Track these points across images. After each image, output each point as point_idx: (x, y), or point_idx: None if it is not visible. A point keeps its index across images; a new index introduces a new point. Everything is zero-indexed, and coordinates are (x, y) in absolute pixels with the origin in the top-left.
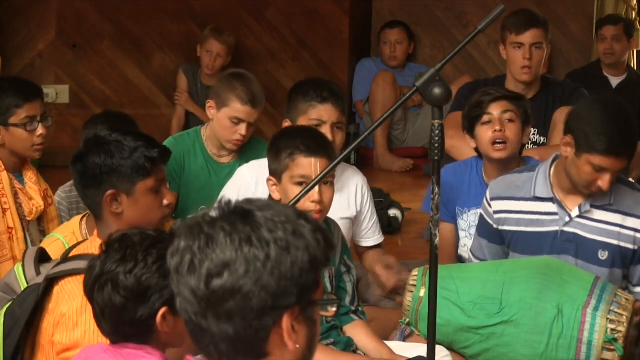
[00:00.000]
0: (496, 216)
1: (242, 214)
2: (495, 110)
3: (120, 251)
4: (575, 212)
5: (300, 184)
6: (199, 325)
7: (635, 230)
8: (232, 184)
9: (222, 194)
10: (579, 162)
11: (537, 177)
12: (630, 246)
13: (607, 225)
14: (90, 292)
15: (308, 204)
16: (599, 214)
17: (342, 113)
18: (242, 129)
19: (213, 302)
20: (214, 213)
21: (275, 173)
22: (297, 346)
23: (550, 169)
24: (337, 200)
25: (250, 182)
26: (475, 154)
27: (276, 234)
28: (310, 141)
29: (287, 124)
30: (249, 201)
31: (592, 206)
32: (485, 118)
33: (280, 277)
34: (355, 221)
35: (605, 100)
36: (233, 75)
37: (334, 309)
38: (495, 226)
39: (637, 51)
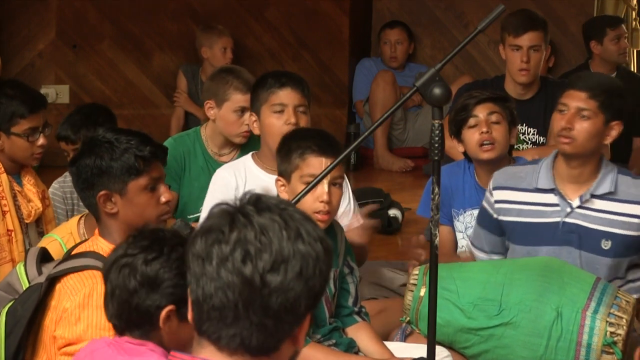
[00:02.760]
0: (497, 205)
1: (278, 208)
2: (481, 112)
3: (147, 240)
4: (576, 202)
5: (309, 183)
6: (235, 314)
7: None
8: (216, 187)
9: (207, 199)
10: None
11: (541, 169)
12: (635, 233)
13: (610, 215)
14: (107, 270)
15: (317, 204)
16: (601, 204)
17: (303, 97)
18: (247, 118)
19: (266, 295)
20: (246, 204)
21: (285, 173)
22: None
23: (553, 162)
24: None
25: (230, 180)
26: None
27: (316, 231)
28: (322, 141)
29: (253, 117)
30: (270, 196)
31: (593, 196)
32: (472, 121)
33: (322, 278)
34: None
35: None
36: (222, 71)
37: None
38: (495, 216)
39: (638, 51)
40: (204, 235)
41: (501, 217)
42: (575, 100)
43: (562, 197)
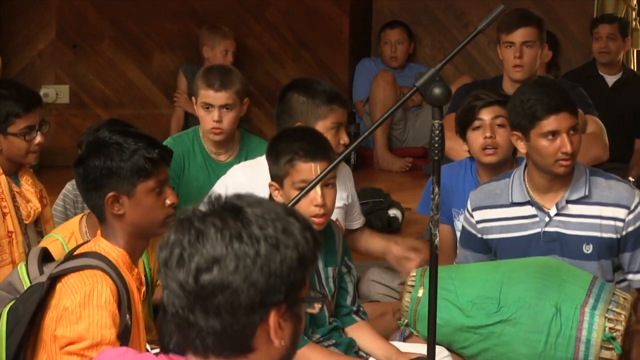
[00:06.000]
0: (479, 226)
1: (233, 209)
2: (486, 115)
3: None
4: (553, 211)
5: (302, 189)
6: (186, 320)
7: (615, 219)
8: (223, 182)
9: (213, 190)
10: (534, 143)
11: (513, 183)
12: (613, 235)
13: (587, 219)
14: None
15: (312, 208)
16: (577, 209)
17: None
18: (215, 114)
19: (202, 296)
20: (204, 208)
21: (277, 178)
22: (283, 342)
23: (523, 173)
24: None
25: (243, 182)
26: (469, 155)
27: (266, 231)
28: (309, 145)
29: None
30: (239, 197)
31: (569, 202)
32: (477, 123)
33: (269, 275)
34: (348, 208)
35: (526, 82)
36: (206, 67)
37: (320, 306)
38: (479, 236)
39: (638, 51)
40: (159, 245)
41: (485, 236)
42: (564, 123)
43: (538, 207)
